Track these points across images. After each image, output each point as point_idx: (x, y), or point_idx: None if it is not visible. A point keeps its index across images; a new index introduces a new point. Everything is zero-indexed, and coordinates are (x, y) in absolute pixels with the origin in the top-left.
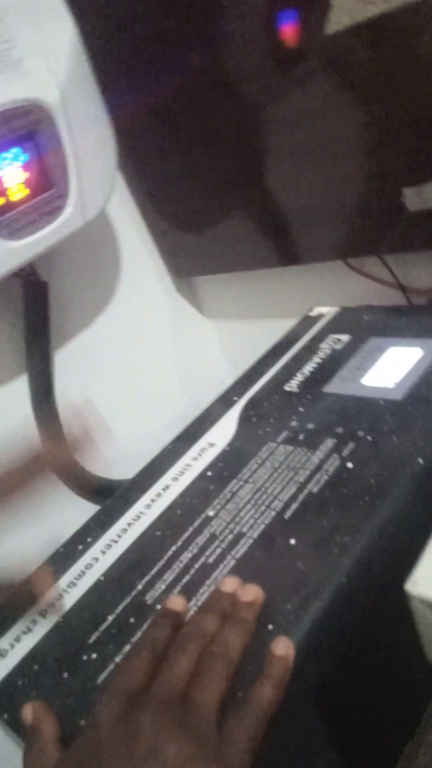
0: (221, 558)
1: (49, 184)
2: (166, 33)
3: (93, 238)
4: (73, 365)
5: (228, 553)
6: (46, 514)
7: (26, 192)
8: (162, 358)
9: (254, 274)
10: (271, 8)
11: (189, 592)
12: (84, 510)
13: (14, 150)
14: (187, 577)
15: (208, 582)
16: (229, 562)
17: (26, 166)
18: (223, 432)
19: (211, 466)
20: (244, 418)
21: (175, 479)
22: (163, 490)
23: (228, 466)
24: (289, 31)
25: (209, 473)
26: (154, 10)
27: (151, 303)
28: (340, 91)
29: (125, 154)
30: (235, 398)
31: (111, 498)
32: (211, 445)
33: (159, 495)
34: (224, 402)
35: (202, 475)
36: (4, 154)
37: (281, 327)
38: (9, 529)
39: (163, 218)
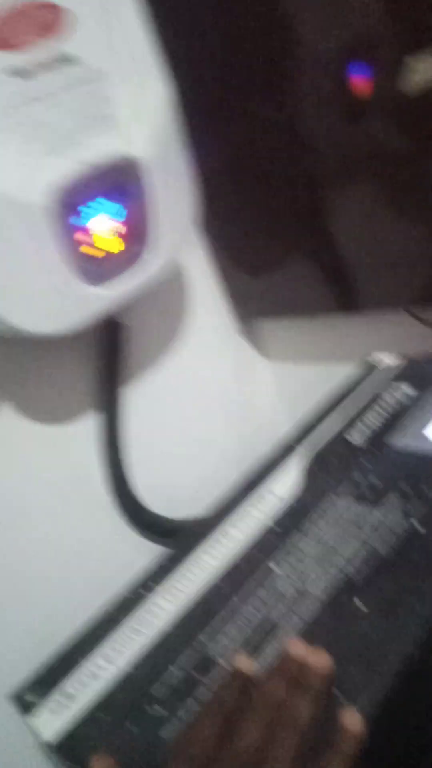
0: (286, 616)
1: (132, 234)
2: (245, 89)
3: (163, 282)
4: (140, 401)
5: (292, 612)
6: (103, 547)
7: (111, 242)
8: (221, 398)
9: (316, 318)
10: (346, 63)
11: (253, 649)
12: (140, 547)
13: (103, 202)
14: (249, 633)
15: (273, 641)
16: (294, 621)
17: (112, 218)
18: (284, 481)
19: (273, 516)
20: (306, 468)
21: (236, 527)
22: (224, 538)
23: (290, 517)
24: (361, 85)
25: (271, 523)
26: (237, 70)
27: (213, 344)
28: (408, 144)
29: (198, 197)
30: (297, 446)
31: (173, 542)
32: (273, 494)
33: (221, 543)
34: (286, 450)
35: (263, 525)
36: (94, 206)
37: (341, 371)
38: (69, 562)
39: (230, 262)
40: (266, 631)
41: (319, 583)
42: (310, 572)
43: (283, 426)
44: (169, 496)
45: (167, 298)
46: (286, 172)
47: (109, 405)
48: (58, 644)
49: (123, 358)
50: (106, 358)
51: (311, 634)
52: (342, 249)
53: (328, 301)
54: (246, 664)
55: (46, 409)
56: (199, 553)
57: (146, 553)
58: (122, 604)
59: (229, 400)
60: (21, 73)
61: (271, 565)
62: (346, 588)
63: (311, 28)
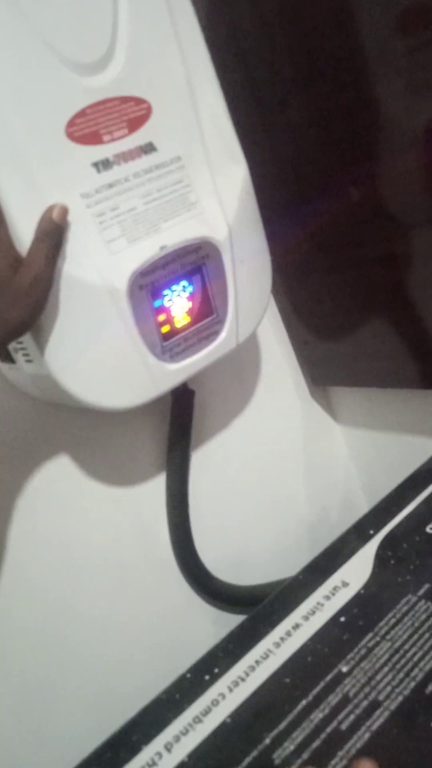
0: (355, 727)
1: (209, 312)
2: (328, 171)
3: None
4: (207, 464)
5: (362, 723)
6: (167, 610)
7: (188, 319)
8: (291, 462)
9: (392, 390)
10: (426, 141)
11: (319, 760)
12: (204, 611)
13: (183, 282)
14: (317, 742)
15: (340, 753)
16: (364, 734)
17: (191, 297)
18: (357, 571)
19: (345, 610)
20: (381, 558)
21: (305, 618)
22: (293, 628)
23: (363, 614)
24: None
25: (342, 619)
26: (318, 152)
27: (285, 407)
28: None
29: (274, 270)
30: (372, 531)
31: (239, 626)
32: (345, 584)
33: (288, 634)
34: (359, 534)
35: (334, 620)
36: (174, 287)
37: (417, 446)
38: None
39: (306, 330)
40: (334, 742)
41: (391, 694)
42: (383, 681)
43: (356, 495)
44: (235, 563)
45: (239, 361)
46: (365, 244)
47: (177, 469)
48: (125, 716)
49: (192, 423)
50: (176, 422)
51: (380, 750)
52: (422, 324)
53: (406, 375)
54: None
55: (115, 472)
56: (266, 642)
57: (209, 617)
58: (186, 688)
59: (299, 466)
60: (105, 164)
61: (343, 668)
62: (421, 702)
63: (398, 109)
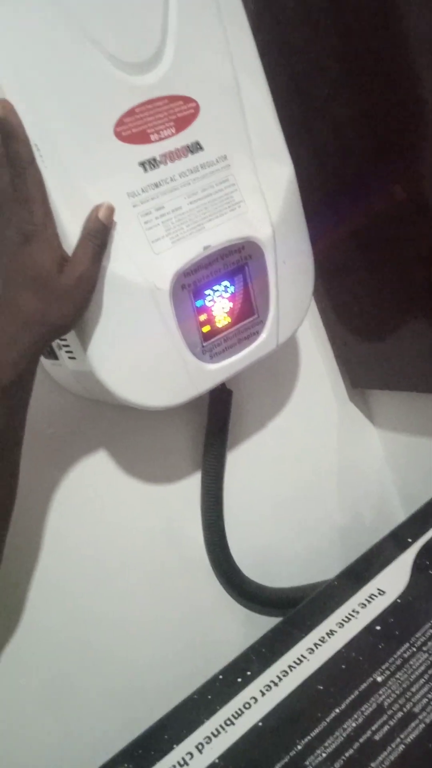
0: (389, 738)
1: (250, 312)
2: (371, 169)
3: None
4: (242, 464)
5: (397, 734)
6: (200, 609)
7: (229, 320)
8: (326, 465)
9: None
10: None
11: None
12: (236, 611)
13: (225, 282)
14: (351, 751)
15: (373, 765)
16: (398, 746)
17: (232, 297)
18: (394, 579)
19: (381, 619)
20: (419, 567)
21: (340, 625)
22: (327, 635)
23: (399, 623)
24: None
25: (378, 627)
26: (362, 150)
27: (322, 409)
28: None
29: (315, 270)
30: (410, 540)
31: (273, 629)
32: (381, 592)
33: (323, 640)
34: (397, 542)
35: (369, 628)
36: (216, 287)
37: None
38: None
39: (346, 330)
40: (368, 752)
41: (427, 706)
42: (419, 693)
43: (391, 500)
44: (265, 563)
45: (277, 361)
46: (408, 244)
47: (213, 468)
48: (155, 716)
49: (229, 423)
50: (213, 422)
51: (413, 763)
52: None
53: None
54: None
55: (151, 470)
56: (300, 648)
57: (239, 618)
58: (219, 690)
59: (334, 469)
60: (152, 164)
61: (378, 678)
62: None
63: None
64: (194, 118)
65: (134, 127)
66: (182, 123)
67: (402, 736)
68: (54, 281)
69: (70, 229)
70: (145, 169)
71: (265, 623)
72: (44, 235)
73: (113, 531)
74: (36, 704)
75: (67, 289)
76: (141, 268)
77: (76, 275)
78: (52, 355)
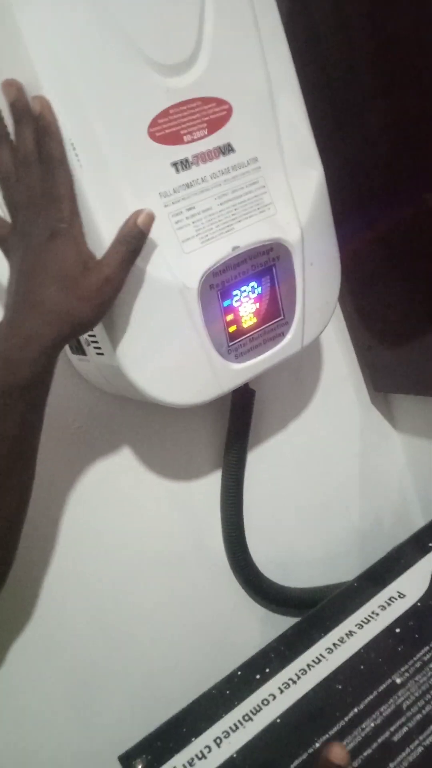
0: (407, 740)
1: (276, 313)
2: (401, 176)
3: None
4: (262, 464)
5: (415, 736)
6: (216, 608)
7: (255, 320)
8: (346, 467)
9: None
10: None
11: None
12: (254, 610)
13: (252, 283)
14: (369, 751)
15: (392, 765)
16: (417, 748)
17: (259, 298)
18: (414, 583)
19: (400, 621)
20: None
21: (359, 626)
22: (347, 635)
23: (419, 626)
24: None
25: (398, 630)
26: (393, 157)
27: (343, 411)
28: None
29: (341, 274)
30: (431, 544)
31: (292, 628)
32: (401, 595)
33: (342, 640)
34: (418, 546)
35: (389, 630)
36: (244, 287)
37: None
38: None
39: (370, 334)
40: (386, 753)
41: None
42: None
43: (411, 505)
44: (282, 564)
45: (300, 363)
46: None
47: (234, 467)
48: (173, 710)
49: (251, 423)
50: (235, 421)
51: (430, 763)
52: None
53: None
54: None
55: (173, 467)
56: (319, 647)
57: (257, 616)
58: (237, 685)
59: (354, 472)
60: (184, 164)
61: (397, 680)
62: None
63: None
64: (227, 120)
65: (168, 128)
66: (215, 125)
67: (421, 738)
68: (78, 279)
69: (103, 227)
70: (178, 170)
71: (283, 623)
72: (71, 233)
73: (134, 526)
74: (59, 696)
75: (90, 289)
76: (171, 267)
77: (102, 277)
78: (80, 350)
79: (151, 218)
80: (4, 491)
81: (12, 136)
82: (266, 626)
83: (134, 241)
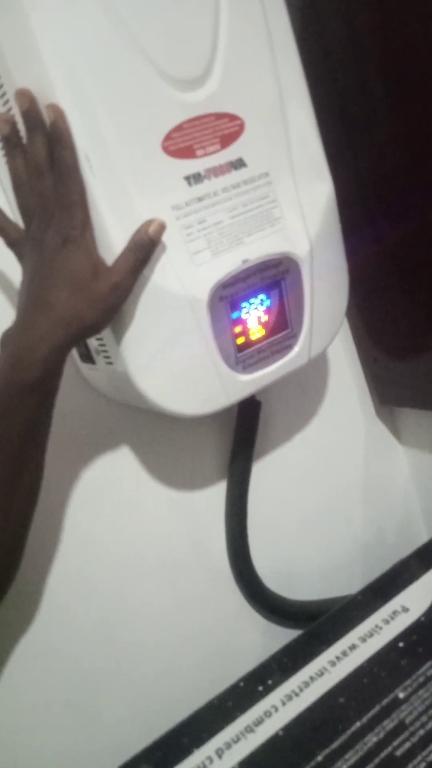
0: (410, 755)
1: (284, 326)
2: (410, 191)
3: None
4: (267, 475)
5: (419, 752)
6: (217, 618)
7: (263, 332)
8: (351, 479)
9: None
10: None
11: None
12: (255, 623)
13: (261, 296)
14: (371, 766)
15: None
16: (419, 764)
17: (268, 310)
18: (419, 597)
19: (404, 636)
20: None
21: (363, 640)
22: (350, 649)
23: (423, 641)
24: None
25: (401, 644)
26: (402, 172)
27: (349, 424)
28: None
29: (349, 287)
30: None
31: (295, 640)
32: (405, 609)
33: (345, 654)
34: (422, 560)
35: (393, 645)
36: (253, 300)
37: None
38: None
39: (377, 348)
40: (388, 767)
41: None
42: None
43: (415, 519)
44: (285, 575)
45: (306, 375)
46: None
47: (239, 478)
48: (173, 716)
49: (257, 434)
50: (241, 432)
51: None
52: None
53: None
54: None
55: (177, 476)
56: (322, 660)
57: (259, 628)
58: (239, 697)
59: (359, 484)
60: (197, 178)
61: (400, 694)
62: None
63: None
64: (239, 135)
65: (181, 142)
66: (227, 140)
67: (424, 753)
68: (88, 285)
69: (115, 237)
70: (190, 183)
71: (284, 635)
72: (82, 240)
73: (138, 534)
74: (59, 700)
75: (100, 295)
76: (181, 278)
77: (110, 283)
78: (89, 359)
79: (162, 228)
80: (15, 489)
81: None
82: (267, 638)
83: (144, 249)
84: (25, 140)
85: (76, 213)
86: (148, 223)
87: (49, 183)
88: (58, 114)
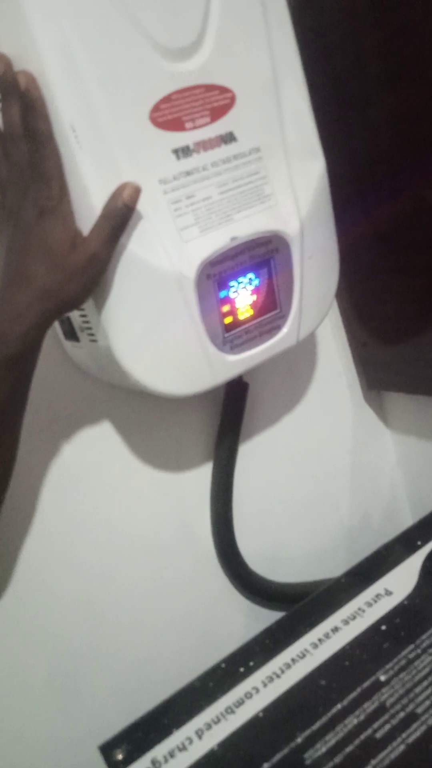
0: (390, 737)
1: (273, 306)
2: (402, 172)
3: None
4: (253, 458)
5: (398, 734)
6: (202, 599)
7: (251, 312)
8: (337, 463)
9: None
10: None
11: (351, 766)
12: (239, 604)
13: (250, 275)
14: (350, 748)
15: (373, 762)
16: (399, 746)
17: (256, 290)
18: (402, 580)
19: (387, 619)
20: (428, 570)
21: (345, 622)
22: (332, 631)
23: (405, 624)
24: None
25: (384, 627)
26: (395, 152)
27: (336, 408)
28: None
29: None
30: (419, 542)
31: (277, 622)
32: (388, 593)
33: (327, 636)
34: (406, 544)
35: (375, 627)
36: (241, 279)
37: None
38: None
39: (366, 331)
40: (368, 750)
41: (430, 707)
42: (422, 694)
43: (401, 503)
44: (270, 558)
45: (294, 357)
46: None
47: (225, 460)
48: (154, 698)
49: (242, 415)
50: (228, 413)
51: (414, 764)
52: None
53: None
54: None
55: (163, 457)
56: (304, 642)
57: (243, 609)
58: (220, 678)
59: (345, 468)
60: (185, 151)
61: (381, 677)
62: None
63: None
64: (230, 108)
65: (170, 113)
66: (217, 113)
67: (404, 735)
68: (66, 258)
69: (100, 211)
70: (178, 157)
71: (268, 617)
72: (59, 211)
73: (122, 514)
74: (40, 680)
75: (77, 267)
76: (168, 254)
77: (88, 254)
78: (73, 336)
79: (136, 192)
80: None
81: None
82: (251, 620)
83: (119, 216)
84: None
85: (52, 183)
86: (122, 187)
87: (22, 153)
88: (31, 81)
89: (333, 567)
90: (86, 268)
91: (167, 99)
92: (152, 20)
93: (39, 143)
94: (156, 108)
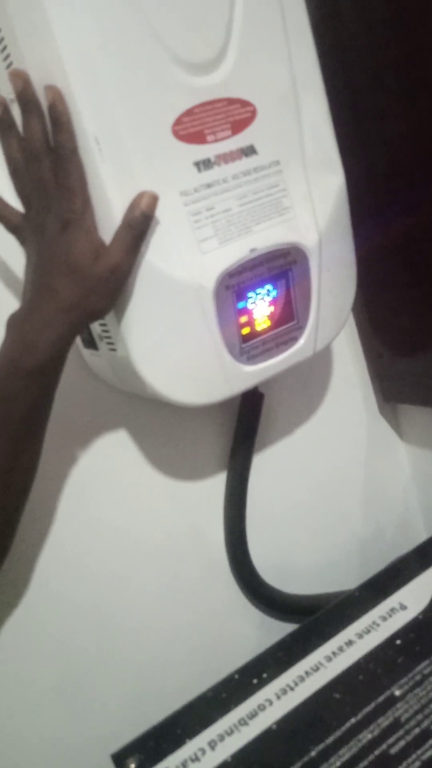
0: (405, 754)
1: (290, 317)
2: (421, 186)
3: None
4: (268, 468)
5: (413, 751)
6: (213, 609)
7: (269, 323)
8: (351, 475)
9: None
10: None
11: None
12: (251, 615)
13: (268, 286)
14: (364, 763)
15: None
16: (414, 763)
17: (274, 301)
18: (417, 595)
19: (401, 633)
20: None
21: (359, 636)
22: (346, 644)
23: (420, 639)
24: None
25: (398, 642)
26: (414, 166)
27: (351, 419)
28: None
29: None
30: None
31: (291, 634)
32: (403, 607)
33: (341, 649)
34: (421, 558)
35: (389, 642)
36: (259, 290)
37: None
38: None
39: (382, 344)
40: (382, 766)
41: None
42: None
43: (414, 516)
44: (282, 569)
45: (310, 369)
46: None
47: (239, 470)
48: (165, 706)
49: (258, 426)
50: (243, 423)
51: None
52: None
53: None
54: None
55: (177, 466)
56: (318, 655)
57: (254, 621)
58: (234, 689)
59: (359, 480)
60: (206, 164)
61: (396, 692)
62: None
63: None
64: (251, 121)
65: (192, 126)
66: (238, 126)
67: (419, 752)
68: (89, 270)
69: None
70: (199, 169)
71: (279, 629)
72: (83, 224)
73: (135, 522)
74: (50, 686)
75: (100, 279)
76: (188, 266)
77: (110, 266)
78: (92, 345)
79: (154, 200)
80: (15, 469)
81: (20, 128)
82: (262, 631)
83: (139, 225)
84: (20, 123)
85: (75, 197)
86: (139, 196)
87: (46, 167)
88: (57, 96)
89: (345, 579)
90: (109, 279)
91: (189, 112)
92: (175, 36)
93: (64, 158)
94: (178, 121)
